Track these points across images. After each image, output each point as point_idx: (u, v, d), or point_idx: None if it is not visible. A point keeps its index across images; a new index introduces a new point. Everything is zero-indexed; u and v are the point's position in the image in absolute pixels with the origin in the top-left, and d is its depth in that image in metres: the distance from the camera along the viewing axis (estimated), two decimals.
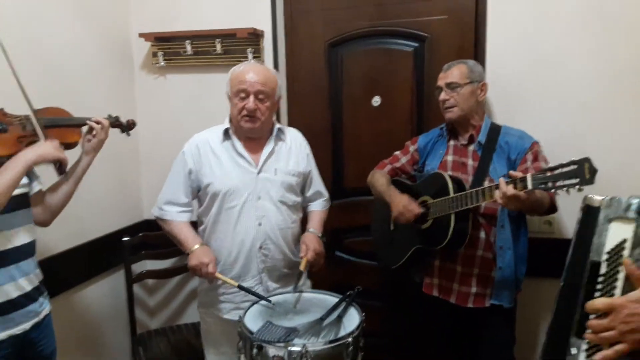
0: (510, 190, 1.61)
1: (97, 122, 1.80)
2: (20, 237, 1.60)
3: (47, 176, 1.75)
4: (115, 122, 1.97)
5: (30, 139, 1.65)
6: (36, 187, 1.75)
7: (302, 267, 1.92)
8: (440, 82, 2.00)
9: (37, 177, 1.77)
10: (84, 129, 1.83)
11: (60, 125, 1.76)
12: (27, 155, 1.54)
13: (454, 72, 1.97)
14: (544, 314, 2.27)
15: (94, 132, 1.80)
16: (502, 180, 1.64)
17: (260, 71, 1.91)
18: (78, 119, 1.83)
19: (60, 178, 1.75)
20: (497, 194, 1.65)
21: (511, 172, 1.67)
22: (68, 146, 1.76)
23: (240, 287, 1.86)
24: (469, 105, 1.95)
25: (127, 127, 2.02)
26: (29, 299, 1.63)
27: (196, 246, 1.91)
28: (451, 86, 1.95)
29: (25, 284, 1.62)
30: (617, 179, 2.05)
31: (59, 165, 1.65)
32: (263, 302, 1.78)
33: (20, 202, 1.62)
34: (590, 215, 1.28)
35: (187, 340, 2.54)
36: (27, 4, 2.09)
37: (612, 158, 2.10)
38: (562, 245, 2.13)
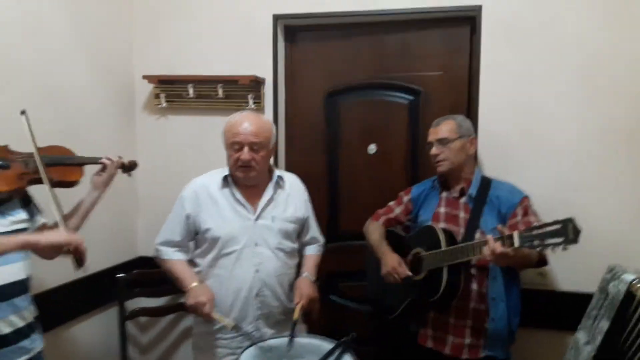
0: (498, 247, 1.66)
1: (108, 159, 1.87)
2: (14, 274, 1.60)
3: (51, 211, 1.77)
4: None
5: (31, 177, 1.69)
6: (39, 220, 1.77)
7: (296, 315, 1.93)
8: (431, 138, 2.06)
9: (40, 211, 1.79)
10: (85, 168, 1.87)
11: (62, 164, 1.80)
12: (27, 236, 1.52)
13: (444, 128, 2.03)
14: None
15: (105, 169, 1.85)
16: (490, 238, 1.69)
17: (253, 122, 1.94)
18: (80, 158, 1.88)
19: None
20: (485, 250, 1.70)
21: (499, 226, 1.73)
22: (68, 184, 1.80)
23: (236, 327, 1.88)
24: (459, 159, 2.02)
25: (128, 167, 2.07)
26: (21, 335, 1.63)
27: (194, 284, 1.93)
28: (442, 142, 2.02)
29: (17, 321, 1.62)
30: (608, 233, 2.14)
31: (77, 255, 1.58)
32: (263, 345, 1.78)
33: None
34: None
35: None
36: (36, 46, 2.16)
37: (603, 211, 2.18)
38: (555, 297, 2.24)
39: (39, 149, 1.72)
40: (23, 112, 1.64)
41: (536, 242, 1.56)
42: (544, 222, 1.58)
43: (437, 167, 2.06)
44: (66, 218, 1.79)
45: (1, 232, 1.57)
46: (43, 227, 1.78)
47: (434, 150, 2.04)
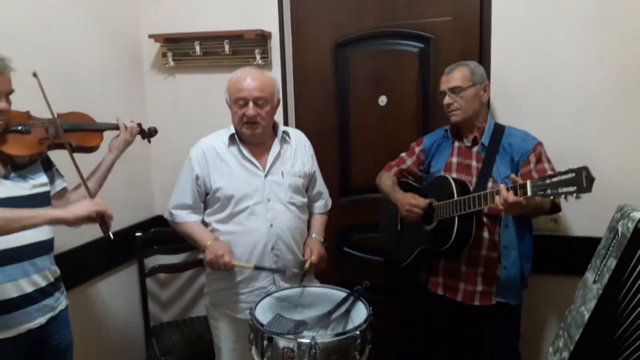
0: (510, 197, 1.65)
1: (124, 125, 1.92)
2: (36, 235, 1.65)
3: (72, 176, 1.81)
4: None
5: (51, 141, 1.73)
6: (60, 185, 1.82)
7: (306, 266, 1.99)
8: (443, 87, 2.02)
9: (61, 175, 1.84)
10: (106, 133, 1.91)
11: (81, 129, 1.85)
12: (54, 212, 1.55)
13: (456, 76, 1.99)
14: (549, 309, 2.33)
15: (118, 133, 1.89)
16: (502, 187, 1.68)
17: (257, 77, 1.92)
18: (99, 124, 1.91)
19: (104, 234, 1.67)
20: (498, 200, 1.69)
21: (512, 175, 1.72)
22: (88, 150, 1.85)
23: (257, 268, 1.91)
24: (472, 107, 1.99)
25: (148, 134, 2.13)
26: (44, 294, 1.69)
27: (209, 241, 1.96)
28: (455, 90, 1.98)
29: (40, 280, 1.68)
30: (619, 181, 2.11)
31: (102, 221, 1.61)
32: (278, 295, 1.84)
33: (39, 200, 1.68)
34: None
35: (199, 332, 2.61)
36: (42, 10, 2.15)
37: (614, 159, 2.15)
38: (568, 243, 2.25)
39: (58, 115, 1.75)
40: (34, 75, 1.65)
41: (549, 191, 1.55)
42: (557, 171, 1.56)
43: (450, 117, 2.03)
44: (84, 182, 1.82)
45: (22, 195, 1.62)
46: (63, 191, 1.83)
47: (446, 100, 2.00)
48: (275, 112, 2.03)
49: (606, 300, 1.37)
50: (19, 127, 1.61)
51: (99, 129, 1.91)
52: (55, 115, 1.72)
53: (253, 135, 1.96)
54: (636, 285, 1.32)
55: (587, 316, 1.40)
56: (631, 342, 1.33)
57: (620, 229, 1.37)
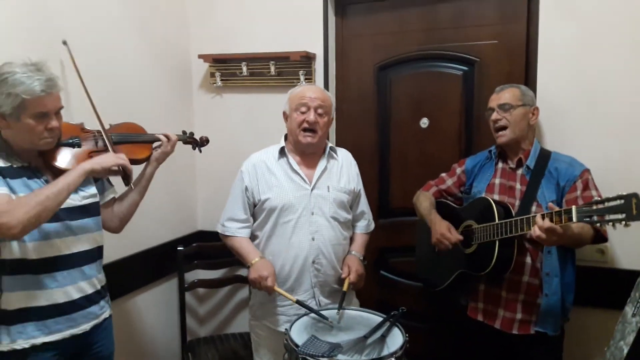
0: (546, 223, 1.61)
1: (166, 136, 1.95)
2: (86, 243, 1.72)
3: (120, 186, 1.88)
4: (188, 139, 2.14)
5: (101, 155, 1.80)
6: (109, 195, 1.89)
7: (345, 287, 1.98)
8: (492, 104, 2.00)
9: (112, 186, 1.91)
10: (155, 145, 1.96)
11: (130, 141, 1.89)
12: (84, 164, 1.64)
13: (507, 95, 1.98)
14: (593, 344, 2.20)
15: (161, 144, 1.94)
16: (538, 216, 1.65)
17: (318, 90, 2.08)
18: (148, 136, 1.96)
19: (126, 189, 1.87)
20: (533, 228, 1.65)
21: (550, 204, 1.68)
22: (137, 162, 1.89)
23: (299, 302, 1.90)
24: (520, 128, 1.95)
25: (199, 143, 2.19)
26: (90, 301, 1.74)
27: (256, 259, 1.99)
28: (504, 107, 1.96)
29: (87, 287, 1.72)
30: None
31: (125, 175, 1.76)
32: (314, 316, 1.82)
33: (89, 210, 1.74)
34: None
35: (234, 349, 2.62)
36: (97, 28, 2.25)
37: None
38: (614, 275, 2.14)
39: (108, 128, 1.83)
40: (64, 43, 1.73)
41: (595, 218, 1.50)
42: (605, 197, 1.50)
43: (496, 137, 1.99)
44: (126, 193, 1.91)
45: (74, 206, 1.69)
46: (112, 201, 1.90)
47: (494, 116, 1.98)
48: (329, 127, 2.10)
49: None
50: (70, 141, 1.68)
51: (148, 141, 1.95)
52: (107, 127, 1.79)
53: (308, 144, 2.02)
54: None
55: (625, 351, 1.35)
56: None
57: None
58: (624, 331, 1.39)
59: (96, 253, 1.79)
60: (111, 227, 1.90)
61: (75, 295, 1.69)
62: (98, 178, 1.84)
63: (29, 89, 1.48)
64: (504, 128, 1.96)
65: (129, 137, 1.90)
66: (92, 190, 1.78)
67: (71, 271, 1.68)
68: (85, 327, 1.72)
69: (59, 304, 1.65)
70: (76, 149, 1.71)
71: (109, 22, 2.33)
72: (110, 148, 1.78)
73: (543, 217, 1.66)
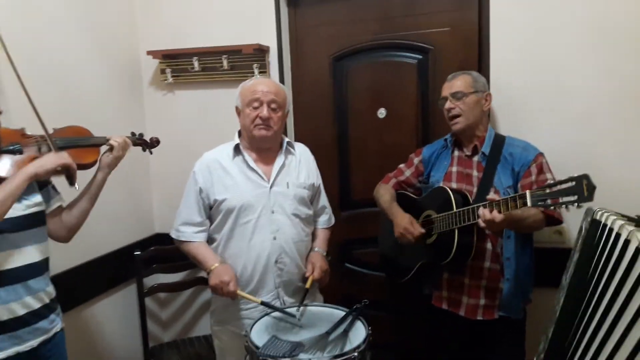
0: (487, 214, 1.65)
1: (116, 141, 1.83)
2: (30, 255, 1.61)
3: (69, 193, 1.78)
4: (137, 140, 2.03)
5: None
6: (55, 203, 1.78)
7: (308, 284, 1.94)
8: (445, 92, 2.00)
9: (58, 193, 1.80)
10: (103, 148, 1.85)
11: (76, 145, 1.78)
12: (26, 168, 1.54)
13: (459, 82, 1.98)
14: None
15: (111, 148, 1.83)
16: (481, 208, 1.69)
17: (271, 83, 1.98)
18: (95, 139, 1.85)
19: (76, 196, 1.76)
20: (478, 220, 1.69)
21: (488, 197, 1.72)
22: (84, 167, 1.78)
23: (264, 304, 1.85)
24: (474, 115, 1.96)
25: (150, 145, 2.09)
26: (37, 316, 1.64)
27: (215, 264, 1.92)
28: (456, 95, 1.96)
29: (34, 302, 1.62)
30: (620, 189, 2.05)
31: (68, 174, 1.64)
32: (276, 315, 1.79)
33: (33, 220, 1.64)
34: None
35: (199, 353, 2.56)
36: (37, 25, 2.14)
37: (617, 168, 2.09)
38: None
39: (51, 133, 1.71)
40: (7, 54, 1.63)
41: (549, 201, 1.52)
42: (557, 180, 1.52)
43: (451, 125, 1.99)
44: (76, 201, 1.80)
45: (16, 217, 1.58)
46: (59, 210, 1.79)
47: (448, 105, 1.98)
48: (284, 122, 2.03)
49: (573, 290, 1.36)
50: (10, 147, 1.58)
51: (96, 144, 1.84)
52: (50, 132, 1.69)
53: (264, 138, 1.94)
54: (598, 271, 1.30)
55: (557, 311, 1.38)
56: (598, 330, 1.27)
57: (583, 226, 1.40)
58: (558, 297, 1.44)
59: (43, 265, 1.69)
60: (59, 237, 1.79)
61: (21, 311, 1.59)
62: (43, 186, 1.74)
63: None
64: (458, 116, 1.96)
65: (75, 141, 1.79)
66: (37, 198, 1.68)
67: (15, 286, 1.58)
68: (32, 343, 1.63)
69: (2, 322, 1.55)
70: (17, 156, 1.60)
71: (50, 18, 2.21)
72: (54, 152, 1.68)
73: (488, 206, 1.69)
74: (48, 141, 1.68)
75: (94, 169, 1.84)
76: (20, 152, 1.60)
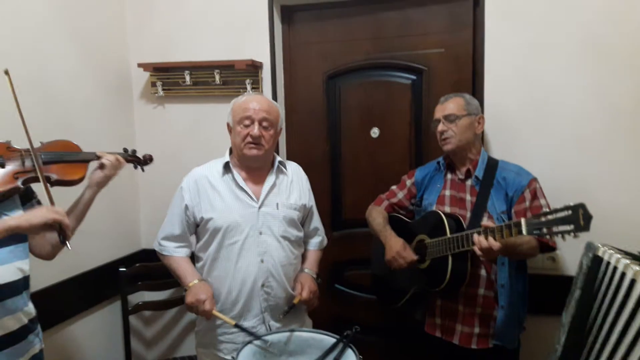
0: (483, 242, 1.62)
1: (109, 160, 1.76)
2: (7, 274, 1.54)
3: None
4: (130, 157, 1.96)
5: (27, 176, 1.61)
6: None
7: (295, 301, 1.91)
8: (438, 115, 1.98)
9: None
10: (91, 164, 1.77)
11: (62, 160, 1.71)
12: (9, 219, 1.44)
13: (451, 105, 1.96)
14: (549, 352, 2.22)
15: (102, 166, 1.76)
16: (475, 235, 1.66)
17: (263, 101, 1.93)
18: (84, 154, 1.77)
19: (61, 244, 1.56)
20: (474, 248, 1.66)
21: (483, 223, 1.69)
22: (71, 183, 1.70)
23: (237, 326, 1.81)
24: (466, 137, 1.94)
25: (143, 162, 2.01)
26: (15, 338, 1.57)
27: (194, 281, 1.87)
28: (449, 118, 1.94)
29: (11, 323, 1.55)
30: (614, 214, 2.03)
31: (61, 229, 1.50)
32: (258, 342, 1.73)
33: (12, 237, 1.54)
34: None
35: None
36: (27, 37, 2.10)
37: (610, 193, 2.08)
38: (566, 283, 2.10)
39: (37, 147, 1.65)
40: (6, 72, 1.56)
41: (545, 230, 1.49)
42: (553, 208, 1.50)
43: (443, 146, 1.97)
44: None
45: None
46: (44, 226, 1.72)
47: (440, 127, 1.96)
48: (277, 141, 1.99)
49: (575, 330, 1.34)
50: None
51: (84, 160, 1.76)
52: (35, 146, 1.63)
53: (254, 157, 1.89)
54: (602, 310, 1.29)
55: (559, 351, 1.36)
56: None
57: (584, 262, 1.38)
58: (560, 334, 1.42)
59: (21, 284, 1.61)
60: (42, 254, 1.72)
61: None
62: (26, 200, 1.68)
63: None
64: (450, 137, 1.94)
65: (61, 156, 1.71)
66: (19, 214, 1.62)
67: None
68: None
69: None
70: None
71: (40, 29, 2.17)
72: (37, 168, 1.62)
73: (483, 233, 1.66)
74: (32, 155, 1.62)
75: (81, 186, 1.77)
76: (2, 165, 1.55)
